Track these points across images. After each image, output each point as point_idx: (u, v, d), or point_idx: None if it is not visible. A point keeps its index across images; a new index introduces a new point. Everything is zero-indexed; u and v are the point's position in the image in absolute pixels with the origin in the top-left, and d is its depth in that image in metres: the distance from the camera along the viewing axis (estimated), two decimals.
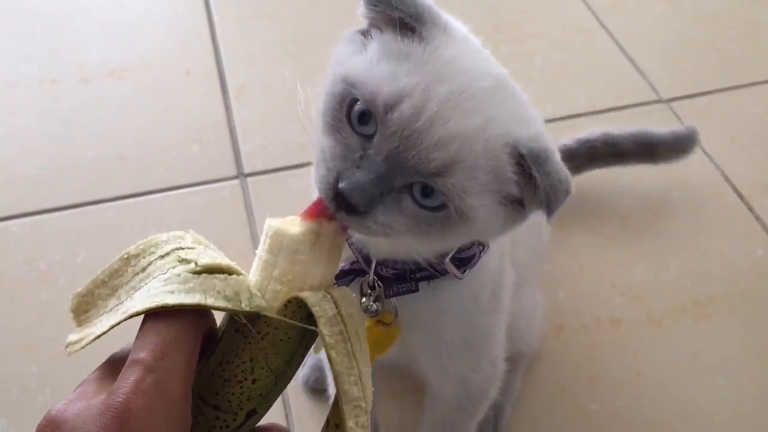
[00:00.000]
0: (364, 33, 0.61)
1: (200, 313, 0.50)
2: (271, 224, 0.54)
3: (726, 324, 1.21)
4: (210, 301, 0.48)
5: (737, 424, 1.10)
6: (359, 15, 0.60)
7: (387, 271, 0.68)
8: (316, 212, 0.56)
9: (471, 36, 0.63)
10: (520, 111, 0.59)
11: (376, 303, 0.68)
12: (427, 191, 0.54)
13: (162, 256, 0.51)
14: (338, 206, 0.54)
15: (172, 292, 0.48)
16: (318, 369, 1.08)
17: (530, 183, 0.56)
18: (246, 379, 0.51)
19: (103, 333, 0.50)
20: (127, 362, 0.46)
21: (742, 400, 1.12)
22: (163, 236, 0.53)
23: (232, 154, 1.44)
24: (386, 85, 0.54)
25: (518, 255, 0.84)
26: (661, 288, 1.26)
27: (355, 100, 0.55)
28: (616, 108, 1.55)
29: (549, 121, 1.46)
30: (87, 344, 0.50)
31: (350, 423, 0.49)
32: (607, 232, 1.33)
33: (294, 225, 0.55)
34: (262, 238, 0.55)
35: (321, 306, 0.51)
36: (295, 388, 1.10)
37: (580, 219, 1.34)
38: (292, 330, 0.51)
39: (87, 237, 1.29)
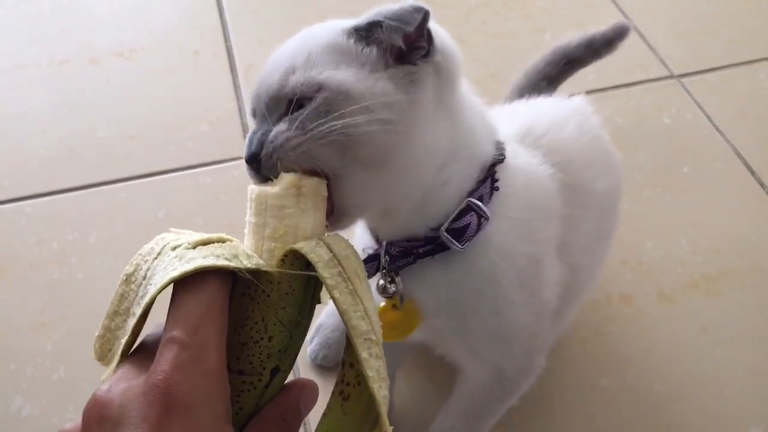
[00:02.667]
0: None
1: (223, 284, 0.50)
2: (253, 188, 0.55)
3: (737, 299, 1.21)
4: (211, 262, 0.49)
5: (748, 398, 1.10)
6: None
7: (394, 250, 0.70)
8: None
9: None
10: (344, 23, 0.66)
11: (391, 285, 0.71)
12: (300, 101, 0.61)
13: (155, 257, 0.52)
14: (253, 173, 0.61)
15: (174, 269, 0.49)
16: (326, 346, 1.08)
17: (379, 28, 0.63)
18: (262, 338, 0.52)
19: (128, 342, 0.50)
20: (162, 341, 0.47)
21: (753, 374, 1.12)
22: (149, 244, 0.53)
23: (241, 134, 1.44)
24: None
25: (578, 257, 0.82)
26: (671, 263, 1.25)
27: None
28: (627, 84, 1.54)
29: None
30: (118, 362, 0.51)
31: (364, 355, 0.50)
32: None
33: (274, 185, 0.56)
34: (248, 204, 0.55)
35: (315, 252, 0.51)
36: (304, 365, 1.11)
37: None
38: (295, 282, 0.52)
39: (99, 217, 1.30)
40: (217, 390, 0.47)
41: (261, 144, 0.60)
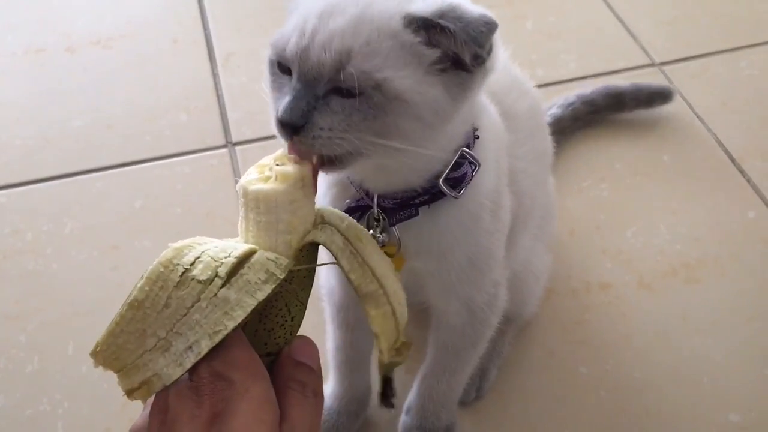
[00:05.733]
0: None
1: None
2: (259, 188, 0.56)
3: (716, 286, 1.21)
4: (259, 296, 0.52)
5: (727, 386, 1.10)
6: None
7: (389, 203, 0.72)
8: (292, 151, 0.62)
9: None
10: None
11: (382, 234, 0.73)
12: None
13: (176, 287, 0.52)
14: (285, 133, 0.61)
15: (226, 313, 0.51)
16: None
17: (451, 37, 0.60)
18: (287, 320, 0.57)
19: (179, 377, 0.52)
20: (229, 387, 0.50)
21: (732, 362, 1.12)
22: (157, 268, 0.53)
23: (220, 123, 1.43)
24: (284, 34, 0.63)
25: (521, 183, 0.87)
26: (651, 251, 1.25)
27: (278, 61, 0.64)
28: (608, 72, 1.54)
29: (540, 85, 1.45)
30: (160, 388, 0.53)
31: (372, 312, 0.57)
32: (597, 196, 1.33)
33: (267, 179, 0.58)
34: (252, 204, 0.57)
35: (332, 239, 0.57)
36: None
37: (571, 183, 1.34)
38: (311, 267, 0.59)
39: (74, 207, 1.29)
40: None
41: (304, 117, 0.60)
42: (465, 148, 0.70)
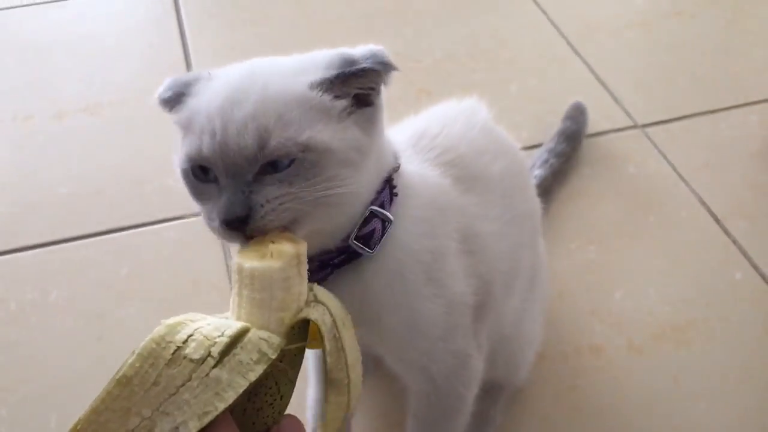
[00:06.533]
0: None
1: None
2: (254, 266, 0.57)
3: (706, 349, 1.20)
4: (251, 377, 0.52)
5: None
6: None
7: (311, 266, 0.72)
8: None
9: (237, 67, 0.72)
10: (302, 65, 0.69)
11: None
12: (275, 161, 0.63)
13: (168, 364, 0.52)
14: (239, 234, 0.63)
15: (217, 394, 0.51)
16: None
17: (370, 73, 0.67)
18: (276, 399, 0.57)
19: None
20: None
21: (725, 425, 1.11)
22: (149, 344, 0.53)
23: None
24: (192, 143, 0.65)
25: (493, 246, 0.86)
26: (640, 313, 1.25)
27: (193, 168, 0.66)
28: (591, 135, 1.56)
29: (525, 148, 1.48)
30: None
31: (331, 398, 0.58)
32: (585, 258, 1.33)
33: (263, 256, 0.58)
34: (247, 280, 0.57)
35: (323, 319, 0.58)
36: None
37: (558, 245, 1.34)
38: (302, 345, 0.58)
39: (59, 275, 1.27)
40: None
41: (246, 206, 0.62)
42: (373, 206, 0.72)
